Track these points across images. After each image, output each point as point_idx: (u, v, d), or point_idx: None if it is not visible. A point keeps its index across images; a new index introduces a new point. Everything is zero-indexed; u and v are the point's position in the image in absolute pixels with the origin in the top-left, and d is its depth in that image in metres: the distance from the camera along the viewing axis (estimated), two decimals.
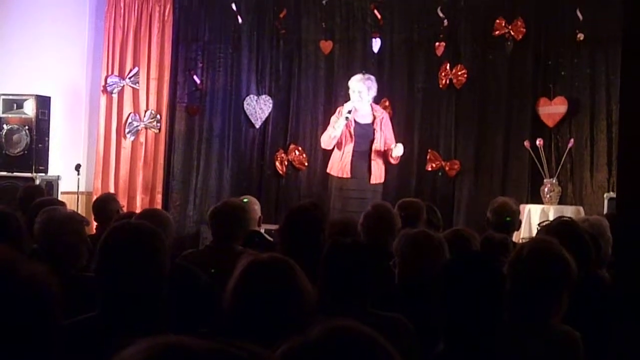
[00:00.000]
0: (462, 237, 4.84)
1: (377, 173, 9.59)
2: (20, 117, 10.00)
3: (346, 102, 9.71)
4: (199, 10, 11.26)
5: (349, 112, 9.53)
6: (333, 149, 9.74)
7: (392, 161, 9.62)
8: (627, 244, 2.58)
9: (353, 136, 9.56)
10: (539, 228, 4.89)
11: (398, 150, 9.52)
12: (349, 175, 9.53)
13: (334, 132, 9.61)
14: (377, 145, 9.58)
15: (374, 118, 9.67)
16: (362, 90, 9.62)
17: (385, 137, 9.65)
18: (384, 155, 9.62)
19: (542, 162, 9.89)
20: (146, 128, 11.26)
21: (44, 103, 10.10)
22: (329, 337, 1.66)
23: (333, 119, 9.75)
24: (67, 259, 4.27)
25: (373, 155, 9.56)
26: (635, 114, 2.56)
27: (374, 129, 9.61)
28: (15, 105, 10.07)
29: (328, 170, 9.86)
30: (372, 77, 9.85)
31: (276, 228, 8.88)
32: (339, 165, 9.62)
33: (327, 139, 9.74)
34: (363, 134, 9.58)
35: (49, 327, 1.97)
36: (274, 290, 2.87)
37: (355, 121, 9.59)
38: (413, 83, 10.71)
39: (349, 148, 9.56)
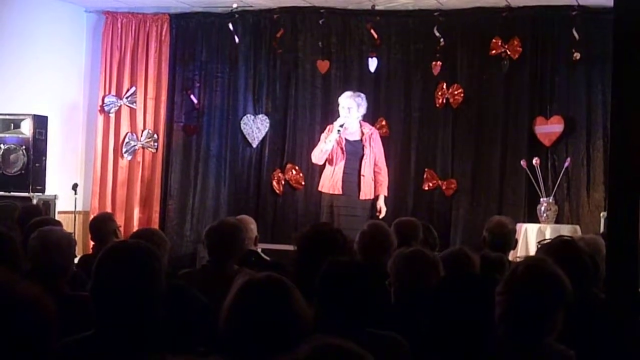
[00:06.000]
0: (464, 256, 4.81)
1: (367, 189, 9.66)
2: (17, 137, 10.02)
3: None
4: (196, 30, 11.29)
5: (341, 126, 9.60)
6: (324, 166, 9.80)
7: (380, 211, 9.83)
8: (618, 261, 2.59)
9: (344, 153, 9.63)
10: (538, 246, 4.88)
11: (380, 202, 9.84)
12: (340, 192, 9.60)
13: (325, 146, 9.68)
14: (367, 161, 9.65)
15: (363, 135, 9.73)
16: (351, 106, 9.69)
17: (375, 154, 9.72)
18: (374, 172, 9.71)
19: (538, 181, 9.89)
20: (143, 147, 11.28)
21: (41, 123, 10.12)
22: (317, 355, 1.66)
23: (323, 136, 9.82)
24: (62, 278, 4.27)
25: (362, 172, 9.62)
26: (626, 131, 2.57)
27: (363, 146, 9.69)
28: (12, 125, 10.09)
29: (319, 188, 9.92)
30: (363, 95, 9.91)
31: (277, 247, 8.94)
32: (330, 182, 9.69)
33: (318, 154, 9.81)
34: (353, 151, 9.68)
35: (45, 347, 1.98)
36: (269, 310, 2.87)
37: (345, 139, 9.66)
38: (410, 102, 10.71)
39: (340, 165, 9.63)
